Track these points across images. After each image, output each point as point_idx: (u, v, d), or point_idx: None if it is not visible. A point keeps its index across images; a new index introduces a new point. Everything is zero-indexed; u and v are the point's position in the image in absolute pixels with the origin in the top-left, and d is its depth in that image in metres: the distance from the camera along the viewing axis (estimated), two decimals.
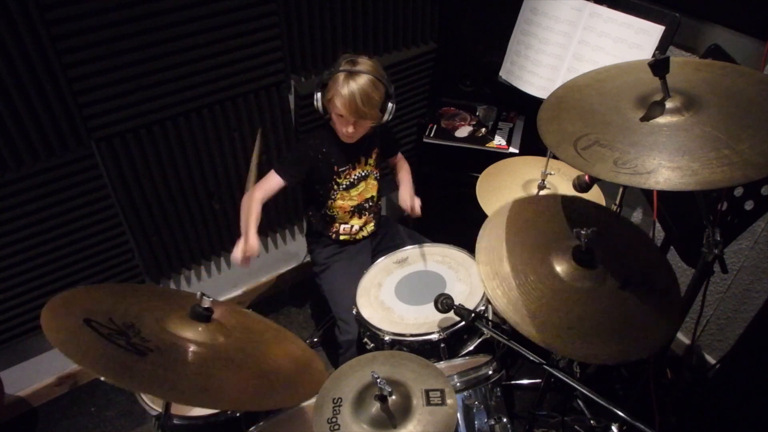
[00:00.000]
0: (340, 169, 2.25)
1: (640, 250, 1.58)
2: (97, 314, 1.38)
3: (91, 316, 1.35)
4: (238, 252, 2.03)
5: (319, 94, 2.10)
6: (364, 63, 2.06)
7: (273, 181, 2.19)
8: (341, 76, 2.02)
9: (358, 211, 2.38)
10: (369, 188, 2.37)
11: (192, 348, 1.40)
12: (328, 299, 2.37)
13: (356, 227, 2.41)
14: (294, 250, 3.08)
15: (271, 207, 2.74)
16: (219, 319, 1.54)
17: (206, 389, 1.31)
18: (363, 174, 2.31)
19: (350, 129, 2.11)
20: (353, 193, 2.32)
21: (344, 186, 2.28)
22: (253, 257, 2.06)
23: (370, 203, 2.40)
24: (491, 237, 1.58)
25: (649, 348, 1.39)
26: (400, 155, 2.55)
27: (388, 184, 2.62)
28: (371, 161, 2.32)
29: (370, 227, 2.47)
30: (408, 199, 2.37)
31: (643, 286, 1.44)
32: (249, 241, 2.04)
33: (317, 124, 2.38)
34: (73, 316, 1.34)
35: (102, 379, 1.20)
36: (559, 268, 1.48)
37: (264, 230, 2.84)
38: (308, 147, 2.23)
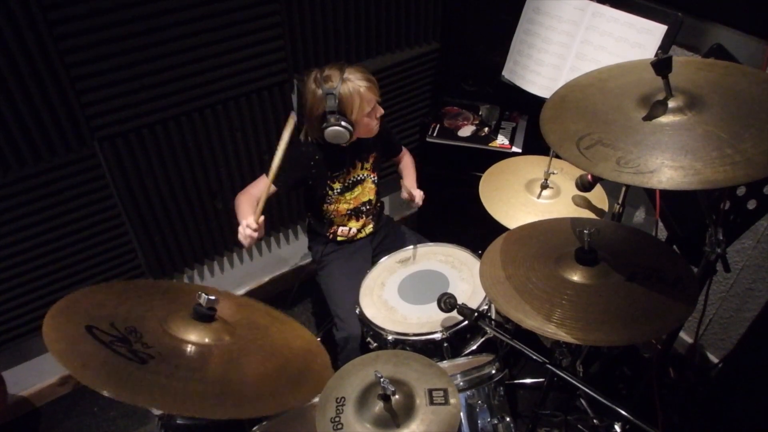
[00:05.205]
0: (333, 174, 2.24)
1: (643, 247, 1.59)
2: (99, 319, 1.37)
3: (93, 323, 1.35)
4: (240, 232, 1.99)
5: (337, 128, 2.02)
6: (329, 67, 2.05)
7: (264, 184, 2.17)
8: (343, 83, 2.00)
9: (355, 214, 2.38)
10: (366, 192, 2.36)
11: (195, 352, 1.40)
12: (326, 297, 2.38)
13: (354, 230, 2.41)
14: (296, 250, 3.09)
15: (273, 208, 2.75)
16: (223, 317, 1.54)
17: (209, 397, 1.30)
18: (358, 178, 2.31)
19: (381, 111, 2.14)
20: (348, 197, 2.32)
21: (338, 190, 2.27)
22: (256, 233, 1.99)
23: (368, 206, 2.40)
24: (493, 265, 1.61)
25: (663, 330, 1.40)
26: (404, 151, 2.55)
27: (389, 185, 2.62)
28: (368, 165, 2.32)
29: (369, 229, 2.47)
30: (411, 188, 2.38)
31: (649, 279, 1.45)
32: (247, 221, 1.99)
33: None
34: (74, 322, 1.34)
35: (106, 394, 1.19)
36: (565, 271, 1.50)
37: (267, 231, 2.84)
38: (300, 154, 2.20)
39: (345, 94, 2.01)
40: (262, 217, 1.99)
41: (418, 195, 2.35)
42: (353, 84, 2.02)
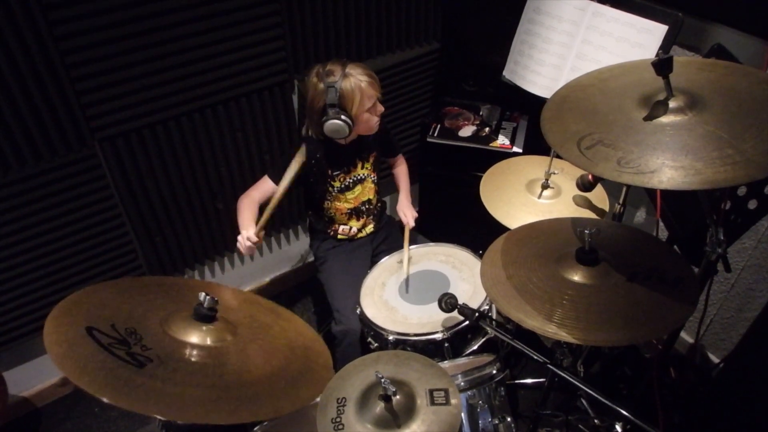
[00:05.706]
0: (333, 173, 2.25)
1: (644, 247, 1.59)
2: (100, 320, 1.37)
3: (94, 324, 1.34)
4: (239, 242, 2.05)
5: (336, 121, 2.03)
6: (332, 63, 2.07)
7: (266, 185, 2.19)
8: (344, 78, 2.01)
9: (355, 213, 2.38)
10: (366, 191, 2.37)
11: (194, 354, 1.40)
12: (326, 291, 2.38)
13: (354, 229, 2.41)
14: (297, 250, 3.09)
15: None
16: (224, 316, 1.54)
17: (206, 402, 1.30)
18: (359, 177, 2.31)
19: (381, 109, 2.15)
20: (349, 196, 2.32)
21: (338, 189, 2.28)
22: (255, 245, 2.05)
23: (368, 206, 2.40)
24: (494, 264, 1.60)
25: (663, 330, 1.40)
26: (400, 156, 2.56)
27: (390, 186, 2.62)
28: (368, 165, 2.33)
29: (370, 228, 2.47)
30: (406, 209, 2.42)
31: (650, 279, 1.45)
32: (247, 231, 2.05)
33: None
34: (76, 324, 1.33)
35: (105, 400, 1.19)
36: (565, 271, 1.50)
37: (268, 230, 2.84)
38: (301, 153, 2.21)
39: (346, 89, 2.01)
40: (262, 232, 2.05)
41: (413, 216, 2.39)
42: (355, 79, 2.02)
